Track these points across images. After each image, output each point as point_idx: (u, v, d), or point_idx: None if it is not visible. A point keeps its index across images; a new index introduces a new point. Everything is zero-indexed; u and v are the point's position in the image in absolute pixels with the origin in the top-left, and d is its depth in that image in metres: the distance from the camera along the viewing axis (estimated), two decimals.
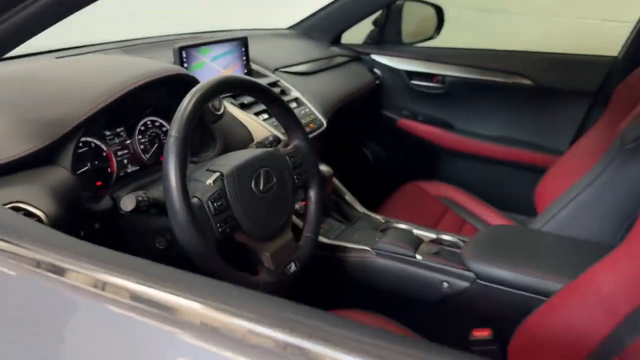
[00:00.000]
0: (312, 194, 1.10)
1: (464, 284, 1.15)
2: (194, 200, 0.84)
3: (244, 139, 1.24)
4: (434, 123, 2.10)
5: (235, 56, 1.48)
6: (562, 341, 0.87)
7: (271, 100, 1.03)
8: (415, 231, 1.40)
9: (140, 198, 0.84)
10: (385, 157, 2.26)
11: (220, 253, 0.87)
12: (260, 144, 1.12)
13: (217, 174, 0.90)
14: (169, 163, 0.80)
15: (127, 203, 0.84)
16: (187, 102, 0.84)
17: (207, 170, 0.92)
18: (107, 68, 1.06)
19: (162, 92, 1.08)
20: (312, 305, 0.50)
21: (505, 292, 1.11)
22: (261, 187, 0.94)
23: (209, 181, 0.88)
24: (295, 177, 1.05)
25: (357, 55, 2.13)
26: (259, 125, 1.28)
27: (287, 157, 1.04)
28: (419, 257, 1.21)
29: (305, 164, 1.08)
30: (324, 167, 1.38)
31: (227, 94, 1.17)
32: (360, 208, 1.53)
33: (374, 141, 2.27)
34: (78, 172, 0.94)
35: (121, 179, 1.04)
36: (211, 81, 0.88)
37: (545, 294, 1.05)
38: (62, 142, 0.87)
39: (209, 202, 0.85)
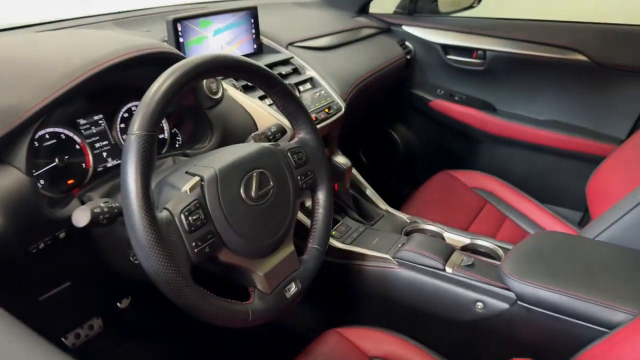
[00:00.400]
0: (321, 197, 0.92)
1: (502, 306, 0.97)
2: (163, 213, 0.67)
3: (247, 128, 1.07)
4: (472, 104, 1.90)
5: (243, 29, 1.30)
6: None
7: (269, 85, 0.85)
8: (447, 234, 1.22)
9: (97, 210, 0.68)
10: (415, 143, 2.10)
11: (200, 275, 0.71)
12: (260, 137, 0.94)
13: (196, 178, 0.73)
14: (127, 169, 0.63)
15: (80, 217, 0.68)
16: (155, 90, 0.67)
17: (187, 172, 0.75)
18: (79, 45, 0.90)
19: (147, 73, 0.92)
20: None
21: (553, 318, 0.93)
22: (253, 194, 0.77)
23: (185, 188, 0.71)
24: (299, 177, 0.87)
25: (386, 27, 1.95)
26: (265, 112, 1.10)
27: (289, 154, 0.86)
28: (449, 270, 1.03)
29: (312, 162, 0.90)
30: (341, 159, 1.22)
31: (210, 78, 0.99)
32: (383, 205, 1.36)
33: (403, 124, 2.11)
34: (38, 172, 0.80)
35: (100, 175, 0.89)
36: (184, 65, 0.70)
37: (605, 325, 0.87)
38: (12, 137, 0.72)
39: (182, 216, 0.68)
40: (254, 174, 0.78)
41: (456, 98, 1.92)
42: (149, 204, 0.63)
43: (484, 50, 1.82)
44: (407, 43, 1.94)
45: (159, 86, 0.67)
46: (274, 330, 1.17)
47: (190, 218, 0.68)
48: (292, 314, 1.18)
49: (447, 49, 1.90)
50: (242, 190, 0.76)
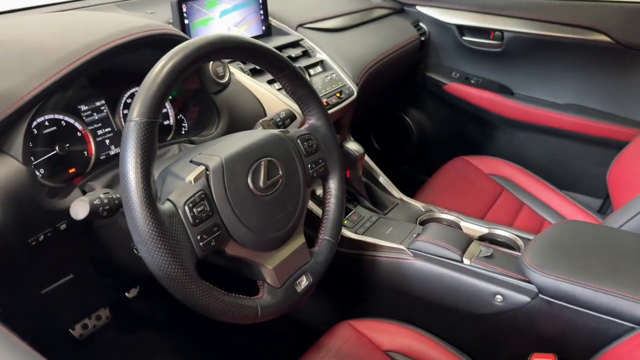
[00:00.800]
0: (333, 185, 0.88)
1: (523, 299, 0.93)
2: (166, 205, 0.64)
3: (255, 114, 1.03)
4: (488, 87, 1.83)
5: (250, 10, 1.25)
6: None
7: (277, 68, 0.80)
8: (463, 224, 1.18)
9: (97, 202, 0.65)
10: (429, 128, 2.04)
11: (205, 269, 0.67)
12: (269, 123, 0.90)
13: (201, 167, 0.69)
14: (126, 158, 0.59)
15: (78, 209, 0.64)
16: (155, 74, 0.63)
17: (191, 161, 0.71)
18: (77, 27, 0.86)
19: (150, 56, 0.88)
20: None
21: (577, 312, 0.88)
22: (261, 183, 0.73)
23: (190, 178, 0.67)
24: (309, 166, 0.83)
25: (399, 7, 1.87)
26: (274, 97, 1.06)
27: (298, 141, 0.82)
28: (467, 261, 0.99)
29: (323, 149, 0.86)
30: (353, 145, 1.17)
31: (216, 60, 0.94)
32: (397, 193, 1.32)
33: (417, 109, 2.04)
34: (37, 161, 0.77)
35: (102, 163, 0.86)
36: (187, 46, 0.66)
37: (633, 320, 0.83)
38: (7, 124, 0.69)
39: (186, 208, 0.64)
40: (262, 162, 0.74)
41: (472, 81, 1.85)
42: (149, 195, 0.60)
43: (502, 31, 1.74)
44: (421, 24, 1.87)
45: (160, 69, 0.63)
46: (285, 322, 1.14)
47: (194, 210, 0.65)
48: (303, 306, 1.16)
49: (463, 29, 1.82)
50: (249, 180, 0.72)
